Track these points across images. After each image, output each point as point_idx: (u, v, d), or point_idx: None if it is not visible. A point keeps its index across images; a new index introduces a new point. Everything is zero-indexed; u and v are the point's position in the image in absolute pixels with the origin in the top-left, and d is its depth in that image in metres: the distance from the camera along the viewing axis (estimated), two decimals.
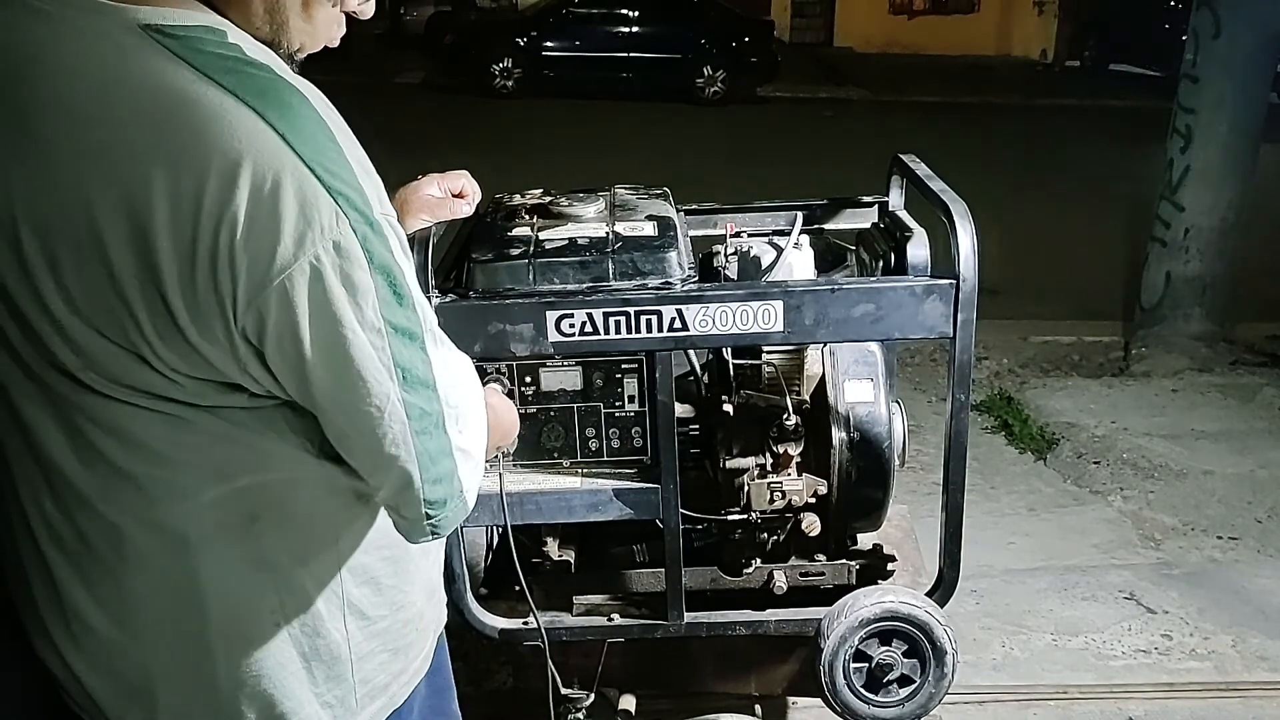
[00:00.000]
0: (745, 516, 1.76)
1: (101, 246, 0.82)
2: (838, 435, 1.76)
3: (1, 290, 0.88)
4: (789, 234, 1.86)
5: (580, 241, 1.58)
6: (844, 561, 1.82)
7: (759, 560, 1.81)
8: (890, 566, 1.83)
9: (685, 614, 1.75)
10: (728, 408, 1.78)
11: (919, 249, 1.74)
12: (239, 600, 0.97)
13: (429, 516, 0.97)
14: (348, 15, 1.00)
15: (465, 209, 1.55)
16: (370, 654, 1.07)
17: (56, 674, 1.03)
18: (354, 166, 0.86)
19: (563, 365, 1.61)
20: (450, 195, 1.53)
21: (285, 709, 1.01)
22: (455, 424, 0.97)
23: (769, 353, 1.77)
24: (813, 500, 1.76)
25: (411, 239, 1.41)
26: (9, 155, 0.85)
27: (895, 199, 1.97)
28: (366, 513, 1.03)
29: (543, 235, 1.61)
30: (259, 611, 0.98)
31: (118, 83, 0.82)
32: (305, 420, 0.94)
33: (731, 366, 1.79)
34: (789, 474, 1.74)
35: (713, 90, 12.67)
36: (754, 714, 2.02)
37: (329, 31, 0.98)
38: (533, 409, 1.63)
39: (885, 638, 1.72)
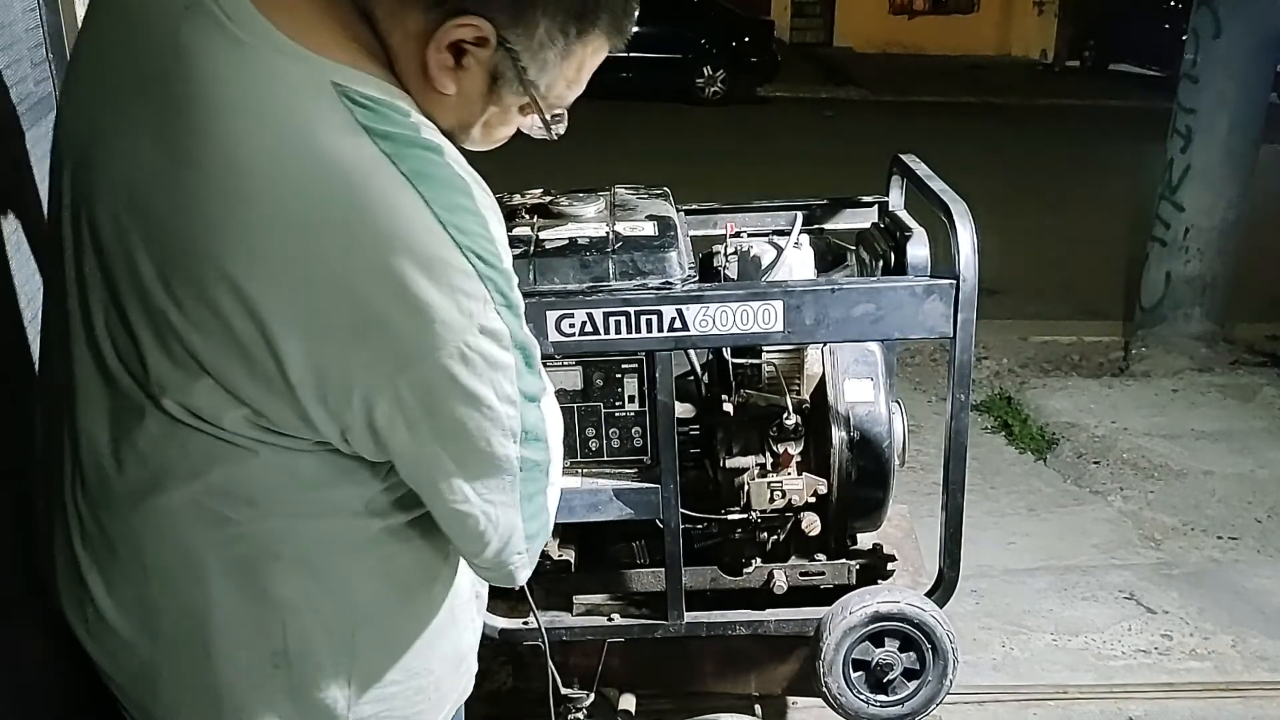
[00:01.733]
0: (745, 516, 1.76)
1: (213, 293, 0.80)
2: (838, 435, 1.76)
3: (110, 283, 0.86)
4: (789, 234, 1.86)
5: (580, 241, 1.58)
6: (844, 561, 1.82)
7: (759, 560, 1.81)
8: (890, 566, 1.83)
9: (685, 614, 1.75)
10: (728, 407, 1.78)
11: (919, 249, 1.74)
12: (244, 636, 0.96)
13: (528, 549, 0.98)
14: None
15: None
16: (370, 718, 1.03)
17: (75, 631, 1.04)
18: (502, 252, 0.86)
19: (563, 365, 1.61)
20: None
21: None
22: (555, 467, 0.98)
23: (769, 352, 1.77)
24: (813, 500, 1.76)
25: None
26: (160, 153, 0.82)
27: (895, 199, 1.97)
28: (394, 573, 1.01)
29: (543, 235, 1.61)
30: (261, 654, 0.97)
31: (297, 139, 0.79)
32: (360, 474, 0.93)
33: (731, 366, 1.79)
34: (789, 473, 1.74)
35: (713, 90, 12.67)
36: (754, 714, 2.02)
37: (497, 142, 0.98)
38: None
39: (885, 638, 1.72)
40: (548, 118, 0.94)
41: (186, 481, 0.90)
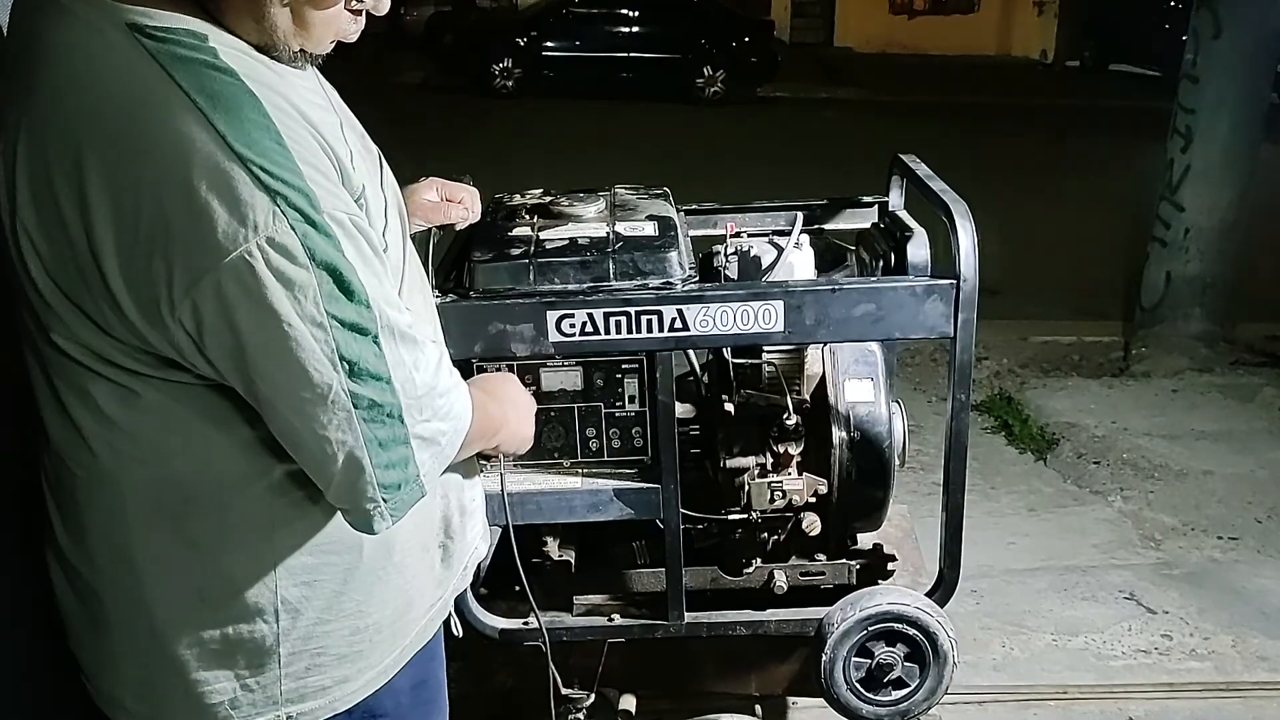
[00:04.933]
0: (745, 516, 1.76)
1: (60, 216, 0.89)
2: (838, 435, 1.76)
3: (17, 253, 0.95)
4: (789, 234, 1.86)
5: (581, 241, 1.58)
6: (844, 561, 1.82)
7: (759, 560, 1.81)
8: (890, 566, 1.83)
9: (685, 614, 1.75)
10: (728, 407, 1.78)
11: (919, 249, 1.74)
12: (169, 572, 1.03)
13: (385, 500, 0.99)
14: (367, 12, 1.02)
15: (460, 213, 1.56)
16: (303, 653, 1.08)
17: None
18: (301, 167, 0.90)
19: (563, 365, 1.61)
20: (446, 201, 1.54)
21: (202, 678, 1.06)
22: (418, 414, 1.00)
23: (769, 352, 1.77)
24: (813, 500, 1.76)
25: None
26: (20, 114, 0.92)
27: (895, 199, 1.97)
28: (310, 515, 1.05)
29: (543, 235, 1.61)
30: (187, 590, 1.03)
31: (93, 73, 0.89)
32: (249, 413, 0.97)
33: (732, 366, 1.79)
34: (789, 473, 1.74)
35: (713, 90, 12.66)
36: (754, 714, 2.02)
37: (330, 32, 1.00)
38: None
39: (885, 638, 1.72)
40: None
41: (100, 427, 0.98)
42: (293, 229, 0.88)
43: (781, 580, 1.79)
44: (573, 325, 1.52)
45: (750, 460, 1.75)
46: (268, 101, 0.91)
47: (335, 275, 0.90)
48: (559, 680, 1.74)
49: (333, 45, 1.02)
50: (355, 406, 0.94)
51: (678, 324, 1.53)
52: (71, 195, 0.88)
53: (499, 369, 1.57)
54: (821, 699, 1.78)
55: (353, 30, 1.02)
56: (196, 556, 1.02)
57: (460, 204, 1.57)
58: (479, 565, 1.86)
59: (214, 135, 0.86)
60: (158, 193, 0.86)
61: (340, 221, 0.92)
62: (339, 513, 1.04)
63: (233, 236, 0.86)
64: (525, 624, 1.72)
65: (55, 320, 0.95)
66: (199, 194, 0.85)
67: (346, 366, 0.92)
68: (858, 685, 1.73)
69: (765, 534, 1.81)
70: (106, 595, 1.06)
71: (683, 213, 1.87)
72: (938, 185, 1.74)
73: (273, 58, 0.97)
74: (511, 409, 1.31)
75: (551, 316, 1.51)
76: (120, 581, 1.04)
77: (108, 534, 1.03)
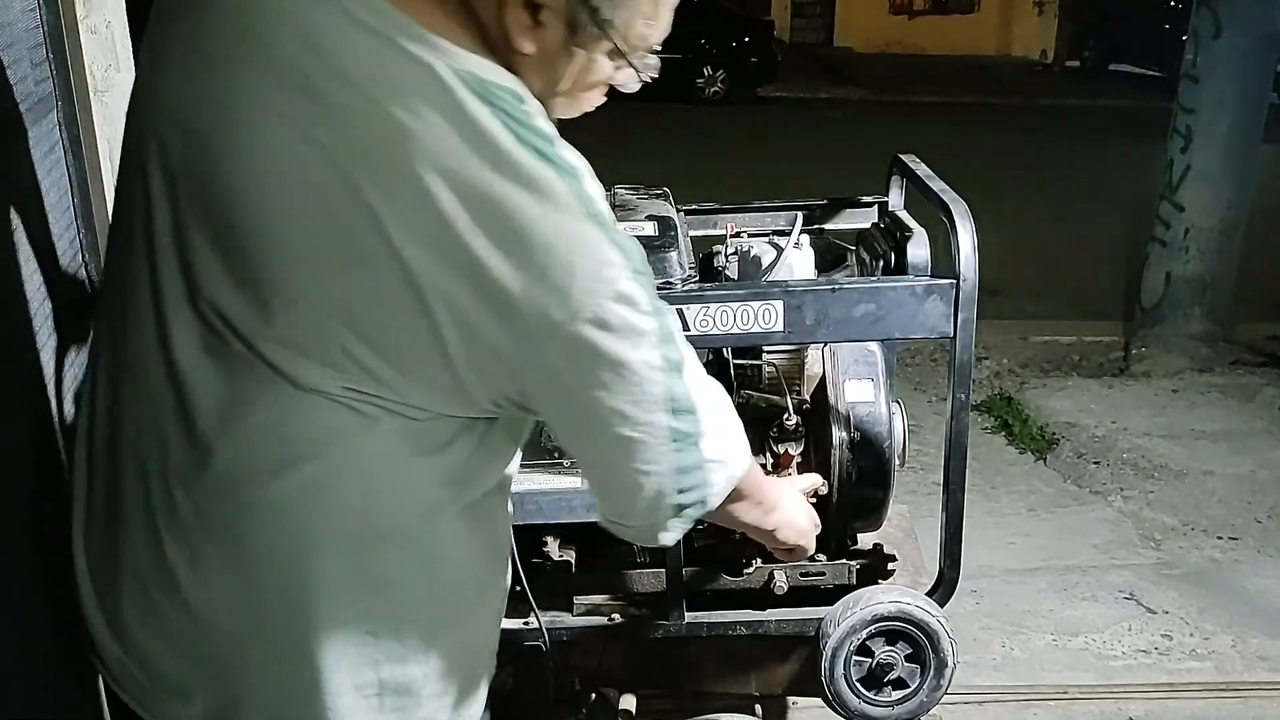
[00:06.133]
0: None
1: (395, 266, 0.82)
2: (838, 435, 1.76)
3: (230, 258, 0.86)
4: (789, 234, 1.86)
5: None
6: (844, 561, 1.82)
7: (759, 560, 1.81)
8: (890, 566, 1.83)
9: (685, 614, 1.75)
10: None
11: (919, 249, 1.74)
12: (343, 613, 0.95)
13: (676, 519, 1.00)
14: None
15: None
16: (439, 694, 1.03)
17: (100, 644, 1.00)
18: (611, 216, 0.88)
19: None
20: None
21: None
22: (709, 439, 0.99)
23: (769, 353, 1.77)
24: (813, 500, 1.76)
25: None
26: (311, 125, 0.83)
27: (895, 199, 1.97)
28: (472, 547, 1.02)
29: None
30: (358, 629, 0.96)
31: (446, 136, 0.81)
32: (455, 441, 0.94)
33: (732, 366, 1.79)
34: (789, 474, 1.74)
35: (713, 90, 12.66)
36: (754, 714, 2.02)
37: (589, 106, 1.00)
38: None
39: (886, 637, 1.72)
40: (633, 61, 0.95)
41: (307, 457, 0.89)
42: (634, 279, 0.87)
43: (781, 580, 1.79)
44: None
45: None
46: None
47: (661, 320, 0.91)
48: (559, 680, 1.74)
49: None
50: (673, 440, 0.94)
51: None
52: (415, 250, 0.82)
53: None
54: (821, 699, 1.78)
55: (596, 105, 1.01)
56: (377, 592, 0.95)
57: None
58: None
59: (574, 197, 0.84)
60: (521, 254, 0.83)
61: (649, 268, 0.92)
62: (491, 542, 1.03)
63: (591, 292, 0.84)
64: (525, 624, 1.72)
65: (306, 354, 0.86)
66: (564, 253, 0.83)
67: (671, 404, 0.92)
68: (858, 685, 1.73)
69: None
70: (255, 641, 0.95)
71: (683, 213, 1.87)
72: (937, 185, 1.74)
73: None
74: (783, 494, 1.27)
75: None
76: (282, 624, 0.94)
77: (280, 571, 0.93)
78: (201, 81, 0.86)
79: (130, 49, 1.68)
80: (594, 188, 0.87)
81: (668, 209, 1.75)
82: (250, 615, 0.94)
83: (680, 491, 0.97)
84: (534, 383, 0.88)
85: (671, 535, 1.02)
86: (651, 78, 0.98)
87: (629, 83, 0.99)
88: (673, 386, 0.92)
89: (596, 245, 0.84)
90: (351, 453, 0.90)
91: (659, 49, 0.97)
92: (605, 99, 1.00)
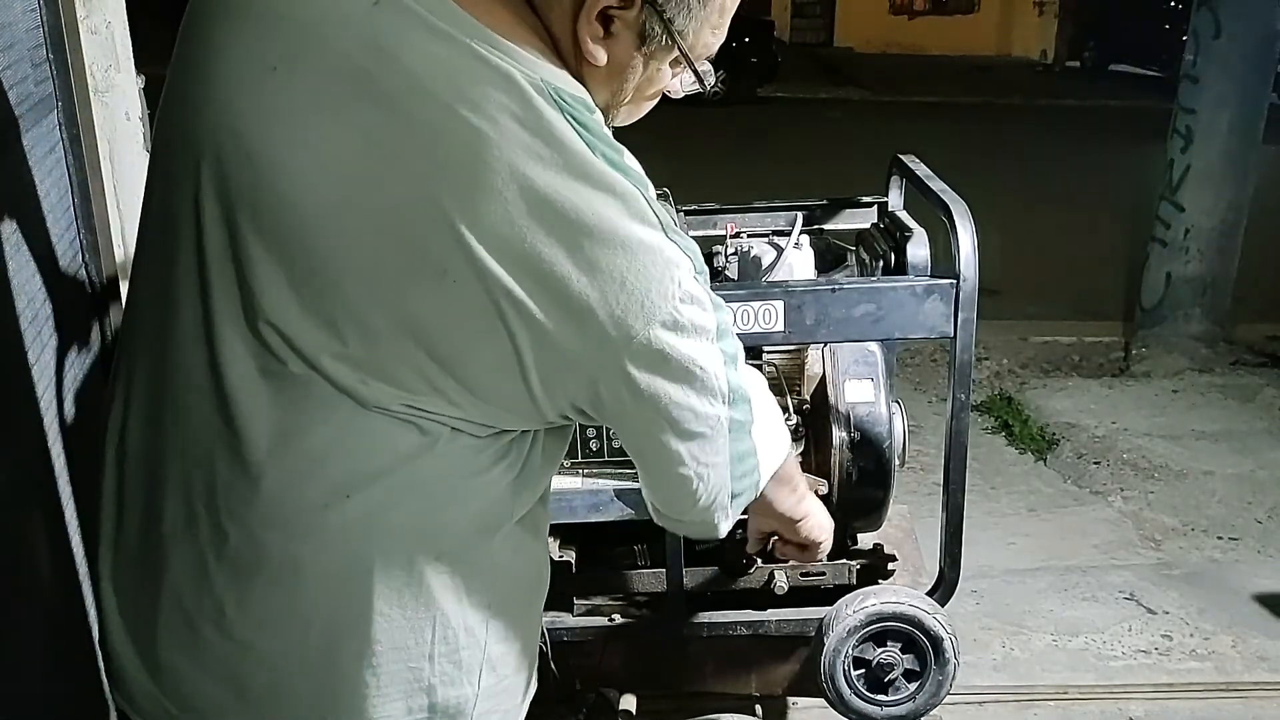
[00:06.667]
0: (746, 516, 1.76)
1: (472, 277, 0.80)
2: (838, 435, 1.76)
3: (293, 272, 0.83)
4: (789, 234, 1.86)
5: None
6: (844, 561, 1.82)
7: (759, 560, 1.81)
8: (891, 566, 1.83)
9: (686, 614, 1.75)
10: None
11: (919, 249, 1.74)
12: (396, 637, 0.93)
13: (731, 506, 1.00)
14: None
15: None
16: (487, 712, 1.01)
17: (126, 676, 0.98)
18: (668, 218, 0.89)
19: None
20: None
21: None
22: (759, 425, 1.00)
23: (769, 353, 1.77)
24: None
25: None
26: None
27: (895, 199, 1.97)
28: (523, 565, 1.01)
29: None
30: (410, 654, 0.94)
31: (522, 141, 0.80)
32: (510, 455, 0.93)
33: None
34: None
35: (713, 90, 12.65)
36: (755, 714, 2.02)
37: (643, 113, 1.00)
38: None
39: (886, 638, 1.72)
40: (699, 69, 0.95)
41: (376, 484, 0.88)
42: (696, 279, 0.87)
43: (781, 580, 1.79)
44: None
45: None
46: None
47: (720, 314, 0.91)
48: (559, 680, 1.73)
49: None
50: (730, 431, 0.94)
51: None
52: (502, 264, 0.80)
53: None
54: (821, 699, 1.78)
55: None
56: (433, 614, 0.93)
57: None
58: None
59: (646, 203, 0.85)
60: (606, 265, 0.83)
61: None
62: (536, 557, 1.03)
63: (665, 294, 0.84)
64: None
65: (377, 373, 0.84)
66: (643, 262, 0.83)
67: (731, 395, 0.93)
68: (858, 685, 1.73)
69: None
70: (305, 669, 0.93)
71: (683, 213, 1.87)
72: (937, 185, 1.74)
73: None
74: (807, 492, 1.26)
75: None
76: (335, 650, 0.92)
77: (335, 596, 0.90)
78: (257, 94, 0.83)
79: (130, 49, 1.68)
80: (654, 196, 0.88)
81: (668, 209, 1.75)
82: (301, 642, 0.92)
83: (736, 479, 0.98)
84: (608, 390, 0.87)
85: (726, 524, 1.03)
86: (712, 86, 1.00)
87: (682, 90, 1.00)
88: (731, 378, 0.92)
89: (665, 250, 0.85)
90: (412, 472, 0.88)
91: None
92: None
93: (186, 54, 0.88)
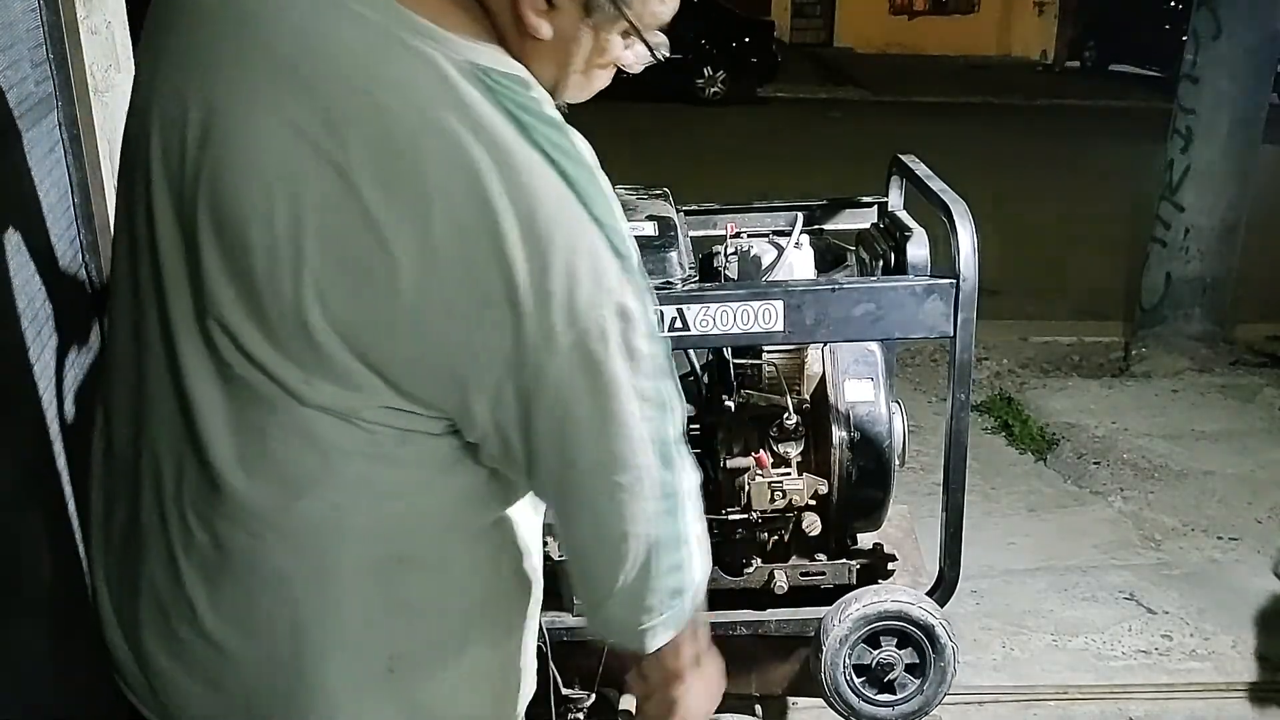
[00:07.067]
0: (746, 516, 1.76)
1: (391, 270, 0.77)
2: (838, 435, 1.76)
3: (241, 272, 0.81)
4: (789, 234, 1.86)
5: None
6: (844, 561, 1.82)
7: (759, 560, 1.81)
8: (890, 566, 1.83)
9: None
10: (728, 407, 1.78)
11: (919, 249, 1.74)
12: (364, 642, 0.91)
13: (664, 611, 0.93)
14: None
15: None
16: (471, 715, 1.00)
17: (123, 665, 0.98)
18: (625, 229, 0.84)
19: None
20: None
21: None
22: (691, 508, 0.94)
23: (769, 352, 1.77)
24: (813, 500, 1.76)
25: None
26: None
27: (895, 199, 1.97)
28: (503, 569, 0.99)
29: None
30: (379, 659, 0.92)
31: (443, 123, 0.77)
32: (470, 458, 0.89)
33: (732, 366, 1.79)
34: (789, 474, 1.74)
35: (713, 90, 12.66)
36: (754, 714, 2.02)
37: (598, 87, 0.96)
38: None
39: (886, 637, 1.72)
40: (650, 40, 0.92)
41: (327, 484, 0.86)
42: (634, 295, 0.82)
43: (781, 580, 1.79)
44: None
45: (750, 460, 1.75)
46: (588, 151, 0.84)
47: (661, 347, 0.86)
48: (559, 680, 1.73)
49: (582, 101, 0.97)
50: (662, 495, 0.88)
51: (678, 324, 1.53)
52: (415, 250, 0.78)
53: None
54: (821, 699, 1.78)
55: (603, 86, 0.97)
56: (399, 618, 0.92)
57: None
58: None
59: (576, 200, 0.80)
60: (530, 262, 0.78)
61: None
62: (517, 562, 1.00)
63: (592, 304, 0.79)
64: None
65: (311, 371, 0.82)
66: (565, 263, 0.79)
67: (659, 449, 0.87)
68: (858, 685, 1.73)
69: (765, 534, 1.81)
70: (276, 670, 0.92)
71: (683, 213, 1.87)
72: (937, 185, 1.74)
73: None
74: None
75: None
76: (301, 653, 0.91)
77: (298, 599, 0.89)
78: (200, 86, 0.82)
79: (130, 49, 1.68)
80: (600, 183, 0.84)
81: (668, 209, 1.75)
82: (270, 642, 0.91)
83: (665, 572, 0.91)
84: (538, 404, 0.82)
85: (656, 637, 0.96)
86: (664, 56, 0.95)
87: (637, 62, 0.96)
88: (659, 426, 0.87)
89: (598, 255, 0.80)
90: (364, 473, 0.86)
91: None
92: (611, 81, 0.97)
93: (146, 50, 0.89)
